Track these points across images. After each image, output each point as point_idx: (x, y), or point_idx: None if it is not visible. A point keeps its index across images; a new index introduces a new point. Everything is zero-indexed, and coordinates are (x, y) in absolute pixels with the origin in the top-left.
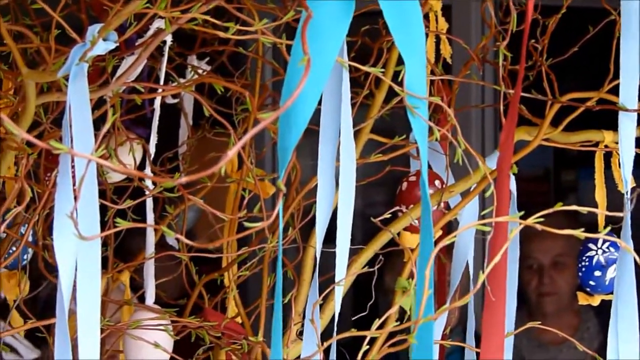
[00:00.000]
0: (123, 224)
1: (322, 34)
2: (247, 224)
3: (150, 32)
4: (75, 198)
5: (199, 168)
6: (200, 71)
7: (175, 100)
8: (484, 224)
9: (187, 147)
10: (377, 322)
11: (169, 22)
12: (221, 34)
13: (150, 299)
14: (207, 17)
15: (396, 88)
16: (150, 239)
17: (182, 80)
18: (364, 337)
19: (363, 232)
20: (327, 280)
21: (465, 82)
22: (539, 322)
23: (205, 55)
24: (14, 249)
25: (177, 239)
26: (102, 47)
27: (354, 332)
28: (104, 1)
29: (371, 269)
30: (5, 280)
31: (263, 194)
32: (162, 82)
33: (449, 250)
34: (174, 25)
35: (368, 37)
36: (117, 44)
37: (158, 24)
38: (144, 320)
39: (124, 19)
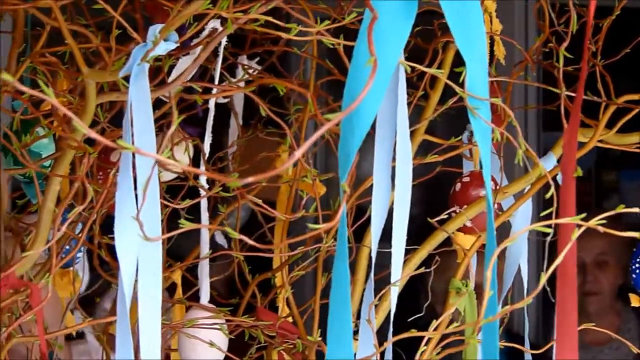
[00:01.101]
0: (187, 225)
1: (385, 34)
2: (311, 226)
3: (205, 33)
4: (137, 197)
5: (250, 168)
6: (250, 71)
7: (226, 100)
8: (546, 226)
9: (237, 147)
10: (434, 323)
11: (230, 23)
12: (282, 35)
13: (204, 298)
14: (269, 18)
15: (457, 89)
16: (205, 238)
17: (233, 80)
18: (417, 337)
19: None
20: (379, 280)
21: (518, 84)
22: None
23: (255, 55)
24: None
25: (228, 238)
26: (163, 48)
27: (413, 333)
28: (163, 1)
29: (427, 270)
30: (58, 278)
31: (313, 194)
32: (216, 82)
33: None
34: (235, 26)
35: (420, 38)
36: (178, 44)
37: (213, 24)
38: (199, 319)
39: (185, 20)
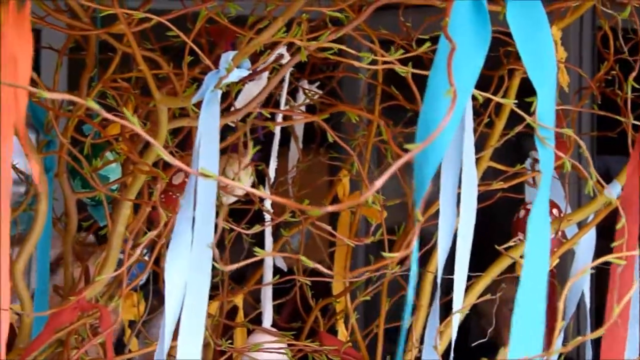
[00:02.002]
0: (261, 254)
1: (460, 64)
2: (386, 254)
3: (271, 59)
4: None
5: (310, 192)
6: (310, 95)
7: (286, 124)
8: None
9: (296, 171)
10: (503, 350)
11: (303, 50)
12: (354, 63)
13: (267, 321)
14: (342, 47)
15: (527, 119)
16: (269, 264)
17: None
18: None
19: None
20: (442, 305)
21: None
22: None
23: (315, 79)
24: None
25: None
26: (236, 75)
27: None
28: (234, 28)
29: (492, 297)
30: (122, 300)
31: (376, 218)
32: (282, 107)
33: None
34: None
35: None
36: (250, 72)
37: (279, 50)
38: (263, 343)
39: (257, 47)
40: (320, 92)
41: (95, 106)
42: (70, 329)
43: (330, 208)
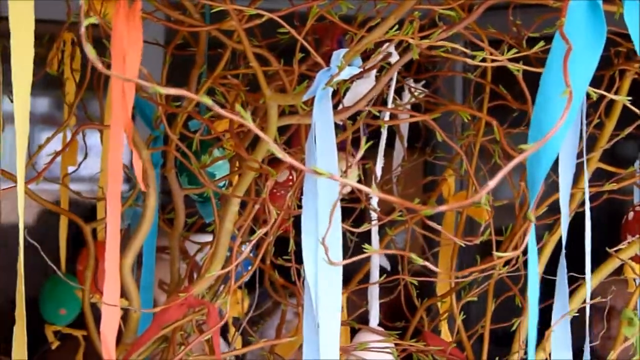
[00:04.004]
0: (370, 250)
1: (575, 64)
2: (497, 254)
3: (380, 57)
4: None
5: (415, 191)
6: (416, 93)
7: (396, 122)
8: None
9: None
10: (614, 352)
11: (415, 49)
12: (467, 60)
13: (374, 320)
14: (455, 45)
15: None
16: (375, 263)
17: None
18: None
19: None
20: (548, 307)
21: None
22: None
23: (421, 78)
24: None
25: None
26: (347, 72)
27: None
28: (344, 26)
29: (604, 299)
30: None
31: (480, 218)
32: (389, 105)
33: None
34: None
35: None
36: (361, 69)
37: (387, 48)
38: (370, 342)
39: (369, 45)
40: (427, 90)
41: (209, 102)
42: (176, 325)
43: (443, 207)
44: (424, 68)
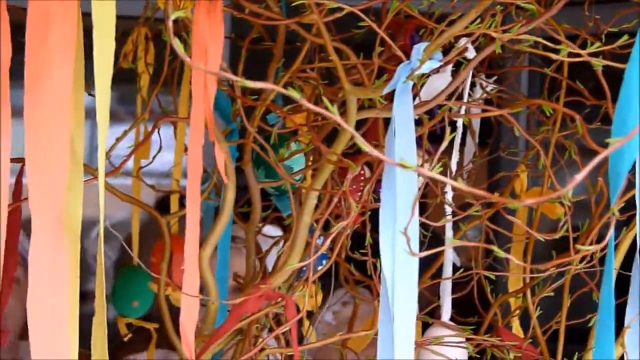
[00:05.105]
0: (453, 242)
1: None
2: (579, 247)
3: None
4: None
5: (486, 187)
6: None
7: (475, 117)
8: None
9: (472, 165)
10: None
11: (498, 42)
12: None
13: (446, 315)
14: (538, 39)
15: None
16: (449, 257)
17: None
18: None
19: None
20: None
21: None
22: None
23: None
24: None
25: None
26: (427, 66)
27: None
28: (424, 20)
29: None
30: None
31: (553, 215)
32: (465, 99)
33: None
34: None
35: None
36: (442, 63)
37: (464, 42)
38: (444, 336)
39: (450, 39)
40: (500, 86)
41: (296, 95)
42: (253, 318)
43: (529, 202)
44: (495, 64)
